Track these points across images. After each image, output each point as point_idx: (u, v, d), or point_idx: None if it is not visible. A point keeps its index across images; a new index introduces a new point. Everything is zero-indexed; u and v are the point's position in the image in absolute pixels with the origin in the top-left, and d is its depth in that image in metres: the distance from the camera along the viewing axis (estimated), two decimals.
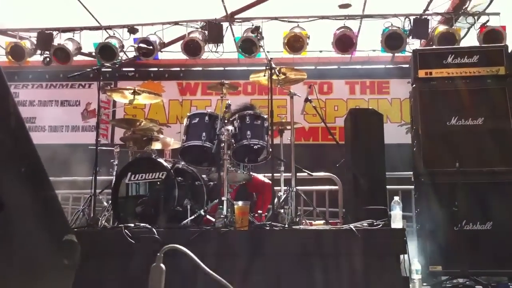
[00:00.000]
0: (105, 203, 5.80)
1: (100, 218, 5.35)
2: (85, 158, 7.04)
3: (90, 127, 9.97)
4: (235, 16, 8.85)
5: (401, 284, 4.07)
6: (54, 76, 10.13)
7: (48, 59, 9.01)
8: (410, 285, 4.15)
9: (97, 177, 5.25)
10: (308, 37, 8.32)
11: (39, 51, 9.07)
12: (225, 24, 8.70)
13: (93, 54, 9.01)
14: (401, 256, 4.26)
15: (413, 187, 5.70)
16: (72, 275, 1.56)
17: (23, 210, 1.35)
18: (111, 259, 4.29)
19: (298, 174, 5.45)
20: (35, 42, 9.04)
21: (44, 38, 8.95)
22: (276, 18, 8.51)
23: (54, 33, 9.02)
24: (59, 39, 9.01)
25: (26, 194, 1.37)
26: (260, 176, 5.82)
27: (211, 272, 2.02)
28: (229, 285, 2.01)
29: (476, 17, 8.16)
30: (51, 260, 1.49)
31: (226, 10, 8.76)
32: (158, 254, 1.97)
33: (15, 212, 1.30)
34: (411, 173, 5.53)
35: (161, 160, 5.22)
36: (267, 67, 5.18)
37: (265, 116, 5.20)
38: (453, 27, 8.11)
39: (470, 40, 8.27)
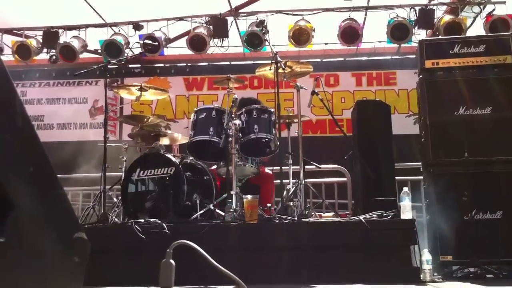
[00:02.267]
0: (115, 199, 5.84)
1: (110, 214, 5.38)
2: (94, 155, 7.07)
3: (98, 124, 9.99)
4: (240, 10, 8.84)
5: (412, 274, 4.08)
6: (61, 74, 10.16)
7: (54, 57, 9.04)
8: (421, 276, 4.14)
9: (106, 174, 5.28)
10: (313, 30, 8.29)
11: (45, 50, 9.11)
12: (230, 19, 8.69)
13: (99, 51, 9.03)
14: (412, 247, 4.26)
15: (422, 177, 5.68)
16: (82, 272, 1.57)
17: (32, 209, 1.36)
18: (121, 255, 4.32)
19: (306, 166, 5.46)
20: (41, 40, 9.07)
21: (50, 36, 8.98)
22: (280, 12, 8.49)
23: (60, 31, 9.04)
24: (64, 37, 9.04)
25: (35, 194, 1.38)
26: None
27: (220, 266, 2.03)
28: (238, 279, 2.02)
29: (482, 6, 8.10)
30: (62, 258, 1.50)
31: (231, 5, 8.75)
32: (168, 250, 1.98)
33: (25, 211, 1.31)
34: (420, 163, 5.52)
35: (169, 155, 5.24)
36: (273, 61, 5.19)
37: (272, 110, 5.20)
38: (459, 17, 8.06)
39: (477, 29, 8.22)
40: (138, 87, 5.60)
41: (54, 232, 1.46)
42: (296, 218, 4.57)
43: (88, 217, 5.68)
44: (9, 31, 9.31)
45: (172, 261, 2.02)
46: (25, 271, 1.33)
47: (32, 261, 1.36)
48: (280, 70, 5.20)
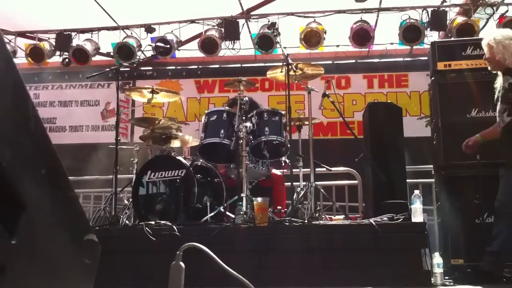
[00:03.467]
0: (126, 201, 5.86)
1: (121, 216, 5.41)
2: (106, 157, 7.11)
3: (110, 126, 10.05)
4: (251, 13, 8.86)
5: (423, 278, 4.06)
6: (74, 77, 10.23)
7: (67, 60, 9.11)
8: (432, 279, 4.12)
9: (118, 176, 5.31)
10: (325, 32, 8.28)
11: (58, 52, 9.17)
12: (241, 21, 8.70)
13: (111, 54, 9.09)
14: (422, 250, 4.24)
15: (433, 180, 5.65)
16: (93, 274, 1.59)
17: (44, 211, 1.37)
18: (131, 257, 4.34)
19: (317, 169, 5.45)
20: (54, 43, 9.14)
21: (63, 39, 9.04)
22: (292, 14, 8.48)
23: (73, 34, 9.10)
24: (77, 40, 9.10)
25: (47, 196, 1.39)
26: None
27: (229, 269, 2.03)
28: (247, 282, 2.02)
29: (495, 8, 8.04)
30: (72, 260, 1.51)
31: (242, 7, 8.77)
32: (178, 252, 1.99)
33: (36, 213, 1.32)
34: (431, 166, 5.49)
35: (180, 157, 5.26)
36: (284, 63, 5.19)
37: (283, 112, 5.21)
38: (471, 18, 8.01)
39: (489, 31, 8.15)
40: (150, 90, 5.62)
41: (65, 233, 1.48)
42: (306, 221, 4.56)
43: (99, 219, 5.72)
44: (22, 34, 9.39)
45: (182, 264, 2.03)
46: (36, 273, 1.34)
47: (43, 263, 1.38)
48: (291, 73, 5.20)
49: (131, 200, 5.46)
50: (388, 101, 9.00)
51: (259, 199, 4.52)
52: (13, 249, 1.22)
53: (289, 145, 5.10)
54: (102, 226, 5.19)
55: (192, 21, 8.85)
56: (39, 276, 1.36)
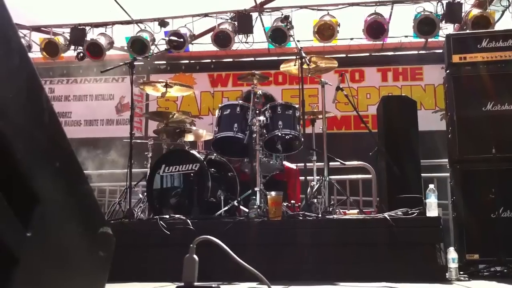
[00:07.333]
0: (140, 195, 5.89)
1: (136, 210, 5.44)
2: (120, 151, 7.14)
3: (124, 120, 10.10)
4: (264, 6, 8.84)
5: (438, 273, 4.03)
6: (88, 71, 10.28)
7: (81, 54, 9.16)
8: (447, 274, 4.10)
9: (132, 170, 5.33)
10: (339, 25, 8.24)
11: (72, 47, 9.23)
12: (254, 15, 8.69)
13: (125, 48, 9.12)
14: (437, 245, 4.21)
15: (448, 174, 5.61)
16: (107, 266, 1.59)
17: (58, 204, 1.37)
18: (146, 250, 4.36)
19: (330, 163, 5.43)
20: (68, 37, 9.19)
21: (77, 33, 9.10)
22: (305, 7, 8.45)
23: (87, 28, 9.16)
24: (91, 34, 9.16)
25: (61, 189, 1.39)
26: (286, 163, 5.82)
27: (243, 263, 2.03)
28: (261, 276, 2.02)
29: (510, 0, 7.94)
30: (87, 252, 1.52)
31: (255, 0, 8.75)
32: (191, 245, 2.00)
33: (50, 206, 1.32)
34: (447, 160, 5.45)
35: (194, 151, 5.27)
36: (298, 56, 5.17)
37: (297, 106, 5.19)
38: (487, 11, 7.91)
39: (505, 23, 8.06)
40: (164, 84, 5.64)
41: (79, 226, 1.48)
42: (320, 215, 4.55)
43: (114, 213, 5.75)
44: (37, 29, 9.46)
45: (195, 257, 2.03)
46: (50, 265, 1.35)
47: (57, 255, 1.38)
48: (305, 66, 5.18)
49: (145, 194, 5.48)
50: (403, 95, 8.93)
51: (273, 193, 4.51)
52: (27, 241, 1.22)
53: (302, 139, 5.09)
54: (116, 219, 5.22)
55: (205, 15, 8.85)
56: (53, 268, 1.37)
